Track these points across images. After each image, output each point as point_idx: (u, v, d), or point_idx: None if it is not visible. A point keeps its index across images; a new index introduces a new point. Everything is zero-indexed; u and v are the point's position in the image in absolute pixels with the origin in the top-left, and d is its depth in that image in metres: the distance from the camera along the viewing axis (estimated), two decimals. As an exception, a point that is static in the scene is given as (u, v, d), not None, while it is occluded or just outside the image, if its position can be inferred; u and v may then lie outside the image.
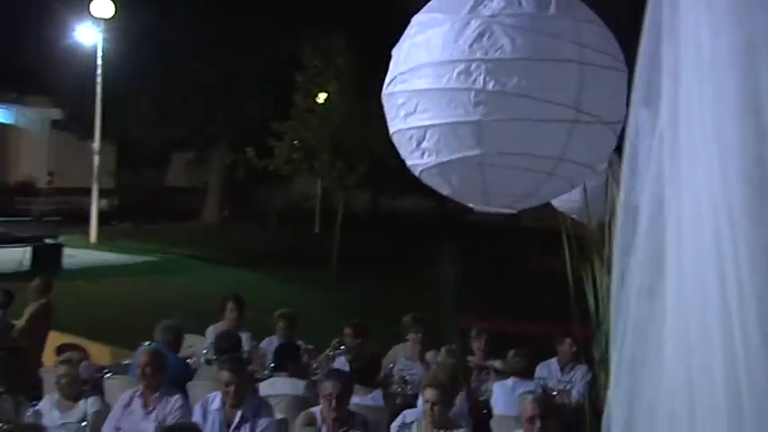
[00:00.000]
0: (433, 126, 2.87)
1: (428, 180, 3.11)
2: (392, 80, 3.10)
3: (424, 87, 2.90)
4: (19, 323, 9.56)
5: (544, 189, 3.09)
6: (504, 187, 3.02)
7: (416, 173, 3.08)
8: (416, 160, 3.01)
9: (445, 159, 2.88)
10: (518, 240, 23.05)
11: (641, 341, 2.01)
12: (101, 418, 5.87)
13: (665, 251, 1.97)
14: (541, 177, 2.99)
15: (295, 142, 21.17)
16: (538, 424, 5.15)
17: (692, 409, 1.91)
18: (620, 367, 2.07)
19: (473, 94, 2.79)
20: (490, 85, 2.77)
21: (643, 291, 2.01)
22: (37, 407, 6.09)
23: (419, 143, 2.91)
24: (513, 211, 3.34)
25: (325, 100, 21.71)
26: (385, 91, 3.13)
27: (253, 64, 26.45)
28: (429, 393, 5.50)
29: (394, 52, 3.14)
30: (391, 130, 3.12)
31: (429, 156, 2.91)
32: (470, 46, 2.81)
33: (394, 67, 3.11)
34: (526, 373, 7.21)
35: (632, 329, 2.03)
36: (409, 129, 2.95)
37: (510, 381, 7.02)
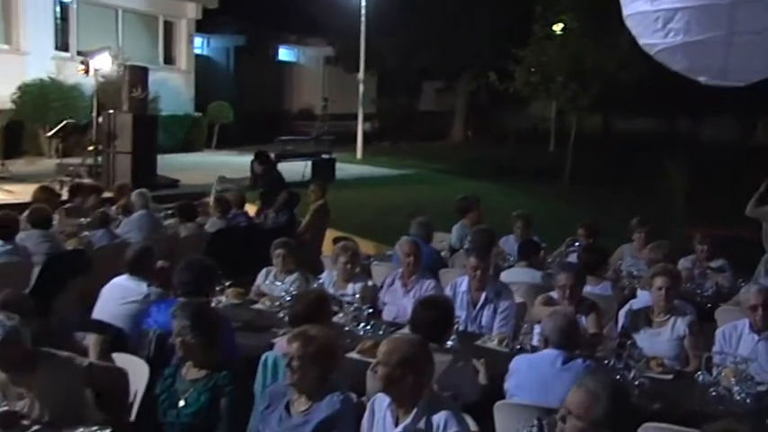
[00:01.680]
0: (685, 8, 2.67)
1: (663, 58, 2.92)
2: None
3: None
4: (304, 220, 10.22)
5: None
6: (745, 64, 2.78)
7: (652, 52, 2.90)
8: (657, 40, 2.83)
9: (692, 39, 2.69)
10: (749, 158, 21.39)
11: None
12: (368, 294, 6.12)
13: None
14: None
15: (532, 69, 20.83)
16: (760, 312, 4.92)
17: None
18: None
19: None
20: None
21: None
22: (321, 281, 6.50)
23: (666, 24, 2.73)
24: (741, 84, 3.07)
25: (563, 28, 21.08)
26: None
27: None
28: (660, 281, 5.34)
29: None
30: (627, 12, 2.94)
31: (675, 36, 2.72)
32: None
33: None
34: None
35: None
36: (656, 11, 2.76)
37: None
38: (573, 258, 7.41)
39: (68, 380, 4.06)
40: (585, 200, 17.05)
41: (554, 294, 5.69)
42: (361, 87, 24.53)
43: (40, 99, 17.40)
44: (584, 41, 19.86)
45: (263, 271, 6.78)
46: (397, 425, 3.47)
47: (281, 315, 5.77)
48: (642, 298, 6.05)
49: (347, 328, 5.38)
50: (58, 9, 19.23)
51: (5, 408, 3.67)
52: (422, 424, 3.42)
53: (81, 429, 3.22)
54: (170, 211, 9.92)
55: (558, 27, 21.22)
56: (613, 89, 20.25)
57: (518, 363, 4.57)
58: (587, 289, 5.91)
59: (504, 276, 6.87)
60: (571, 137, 21.85)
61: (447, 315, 4.67)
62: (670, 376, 4.85)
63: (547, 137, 28.69)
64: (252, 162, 13.54)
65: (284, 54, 33.22)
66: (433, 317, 4.53)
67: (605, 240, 8.33)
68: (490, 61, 23.22)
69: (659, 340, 5.28)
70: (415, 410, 3.44)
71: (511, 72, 21.05)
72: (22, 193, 11.50)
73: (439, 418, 3.45)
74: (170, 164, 15.76)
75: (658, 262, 6.24)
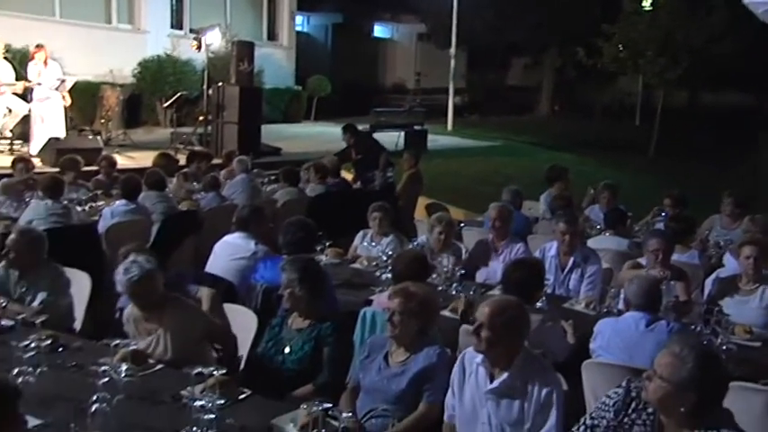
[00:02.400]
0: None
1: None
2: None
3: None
4: (398, 186, 10.26)
5: None
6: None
7: (757, 11, 2.76)
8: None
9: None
10: None
11: None
12: (460, 258, 6.08)
13: None
14: None
15: (619, 46, 20.25)
16: None
17: None
18: None
19: None
20: None
21: None
22: (417, 243, 6.51)
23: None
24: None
25: (652, 3, 20.36)
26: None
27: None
28: (749, 250, 5.16)
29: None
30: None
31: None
32: None
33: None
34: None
35: None
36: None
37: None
38: (659, 227, 7.23)
39: (192, 324, 4.24)
40: (671, 173, 16.55)
41: (642, 260, 5.57)
42: (453, 63, 24.28)
43: (158, 74, 17.85)
44: (675, 16, 19.15)
45: (360, 233, 6.84)
46: (492, 381, 3.45)
47: (377, 274, 5.82)
48: (729, 266, 5.85)
49: (440, 288, 5.38)
50: (173, -10, 19.68)
51: (134, 347, 3.82)
52: (518, 381, 3.39)
53: (199, 369, 3.31)
54: (273, 177, 10.10)
55: (647, 2, 20.52)
56: (702, 64, 19.53)
57: (602, 325, 4.53)
58: (674, 257, 5.75)
59: (592, 243, 6.74)
60: (658, 111, 21.20)
61: (537, 276, 4.64)
62: (758, 343, 4.69)
63: (632, 111, 27.91)
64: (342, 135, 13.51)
65: (379, 31, 33.16)
66: (524, 277, 4.52)
67: (691, 212, 8.08)
68: (578, 37, 22.67)
69: (747, 308, 5.10)
70: (511, 368, 3.40)
71: (599, 47, 20.52)
72: (141, 158, 11.90)
73: (533, 375, 3.41)
74: (272, 134, 15.98)
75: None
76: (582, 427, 3.05)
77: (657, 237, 5.52)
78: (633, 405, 2.95)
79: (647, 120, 23.36)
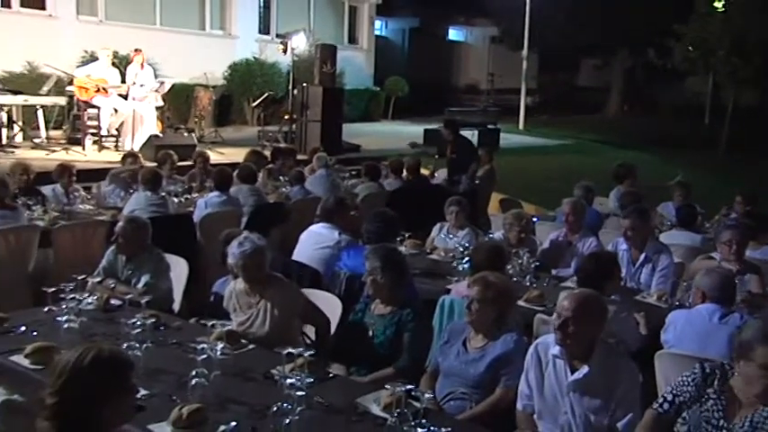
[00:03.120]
0: None
1: None
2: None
3: None
4: (464, 183, 10.16)
5: None
6: None
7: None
8: None
9: None
10: None
11: None
12: (534, 251, 6.00)
13: None
14: None
15: (689, 47, 19.58)
16: None
17: None
18: None
19: None
20: None
21: None
22: (492, 236, 6.45)
23: None
24: None
25: (724, 4, 19.62)
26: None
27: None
28: None
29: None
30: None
31: None
32: None
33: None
34: None
35: None
36: None
37: None
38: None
39: (292, 302, 4.34)
40: (741, 171, 15.95)
41: (715, 255, 5.39)
42: (525, 64, 23.98)
43: (246, 76, 18.18)
44: (748, 16, 18.40)
45: (437, 225, 6.83)
46: (572, 373, 3.38)
47: (453, 265, 5.79)
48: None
49: (515, 279, 5.32)
50: (261, -1, 20.02)
51: (229, 327, 3.90)
52: (599, 371, 3.33)
53: (289, 349, 3.36)
54: (354, 172, 10.16)
55: (719, 3, 19.78)
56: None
57: (675, 316, 4.41)
58: (747, 253, 5.53)
59: (663, 238, 6.56)
60: (728, 109, 20.44)
61: (611, 268, 4.54)
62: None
63: (700, 111, 27.00)
64: (442, 130, 13.32)
65: (453, 34, 33.01)
66: (599, 269, 4.43)
67: (762, 210, 7.78)
68: (647, 39, 22.03)
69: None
70: (591, 360, 3.34)
71: (669, 48, 19.91)
72: (231, 154, 12.13)
73: (613, 364, 3.36)
74: (352, 131, 16.07)
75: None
76: (666, 403, 3.15)
77: (732, 229, 5.34)
78: (709, 381, 3.07)
79: (717, 119, 22.59)
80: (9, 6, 14.26)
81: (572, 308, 3.30)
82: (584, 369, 3.34)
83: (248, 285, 4.30)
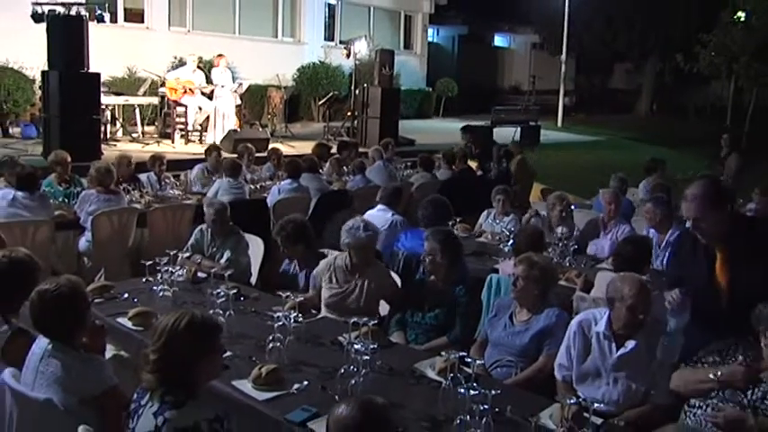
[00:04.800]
0: None
1: None
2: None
3: None
4: (513, 170, 10.02)
5: None
6: None
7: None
8: None
9: None
10: None
11: None
12: (572, 234, 5.86)
13: None
14: None
15: (713, 54, 18.96)
16: None
17: None
18: None
19: None
20: None
21: None
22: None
23: None
24: None
25: (749, 14, 18.92)
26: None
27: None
28: None
29: None
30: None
31: None
32: None
33: None
34: None
35: None
36: None
37: None
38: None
39: (383, 285, 4.38)
40: (758, 167, 15.39)
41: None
42: (563, 68, 23.52)
43: (313, 77, 18.21)
44: None
45: (485, 212, 6.76)
46: (617, 349, 3.32)
47: (500, 246, 5.73)
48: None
49: (555, 260, 5.23)
50: (326, 9, 19.96)
51: (301, 298, 3.91)
52: (644, 345, 3.28)
53: (354, 319, 3.36)
54: (409, 163, 10.11)
55: (742, 14, 19.08)
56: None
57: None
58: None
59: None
60: (749, 111, 19.75)
61: (646, 251, 4.44)
62: None
63: (722, 112, 26.14)
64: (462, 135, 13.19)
65: (498, 41, 32.54)
66: (635, 251, 4.34)
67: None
68: (676, 45, 21.40)
69: None
70: (638, 336, 3.29)
71: (695, 54, 19.29)
72: (300, 147, 12.19)
73: (653, 337, 3.31)
74: (407, 127, 15.96)
75: None
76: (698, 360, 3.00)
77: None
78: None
79: (738, 120, 21.83)
80: (116, 21, 14.66)
81: (643, 300, 3.23)
82: (631, 344, 3.27)
83: (352, 264, 4.30)
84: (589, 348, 3.37)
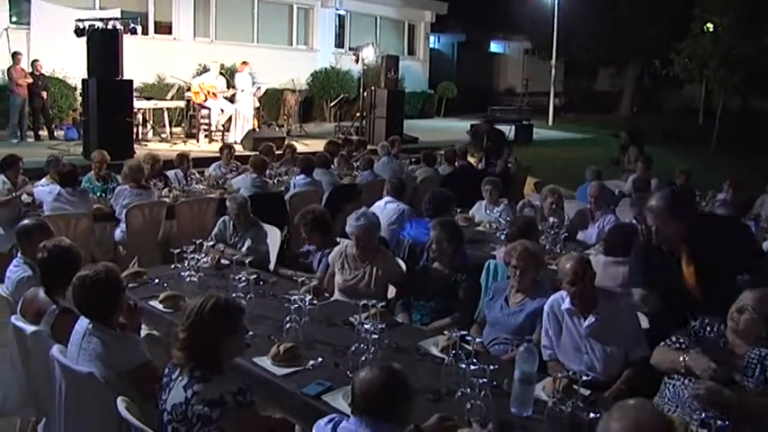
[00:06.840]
0: None
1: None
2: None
3: None
4: (500, 166, 9.90)
5: None
6: None
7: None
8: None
9: None
10: None
11: None
12: (561, 223, 5.81)
13: None
14: None
15: (686, 60, 18.94)
16: None
17: None
18: None
19: None
20: None
21: None
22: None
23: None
24: None
25: (716, 26, 18.93)
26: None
27: (657, 2, 23.60)
28: None
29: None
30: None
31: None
32: None
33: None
34: None
35: None
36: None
37: None
38: (719, 204, 6.73)
39: (391, 272, 4.30)
40: (727, 162, 15.34)
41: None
42: (553, 72, 23.43)
43: (325, 81, 18.18)
44: (734, 36, 17.85)
45: (477, 203, 6.73)
46: (584, 320, 3.33)
47: (497, 235, 5.70)
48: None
49: (547, 247, 5.20)
50: (337, 19, 19.88)
51: (315, 283, 3.89)
52: (605, 314, 3.30)
53: (364, 301, 3.34)
54: (413, 159, 10.07)
55: (710, 25, 19.09)
56: (755, 75, 18.17)
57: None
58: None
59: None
60: (717, 112, 19.74)
61: (631, 236, 4.39)
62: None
63: (695, 113, 26.05)
64: (481, 123, 13.01)
65: (494, 47, 32.33)
66: (621, 237, 4.34)
67: (746, 193, 7.48)
68: (653, 52, 21.36)
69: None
70: (597, 308, 3.31)
71: (671, 60, 19.26)
72: (313, 145, 12.17)
73: (612, 307, 3.34)
74: (411, 126, 15.91)
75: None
76: (676, 341, 2.94)
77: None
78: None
79: (708, 120, 21.80)
80: (147, 33, 14.68)
81: (569, 270, 3.28)
82: (591, 318, 3.29)
83: (359, 252, 4.26)
84: (561, 325, 3.37)
